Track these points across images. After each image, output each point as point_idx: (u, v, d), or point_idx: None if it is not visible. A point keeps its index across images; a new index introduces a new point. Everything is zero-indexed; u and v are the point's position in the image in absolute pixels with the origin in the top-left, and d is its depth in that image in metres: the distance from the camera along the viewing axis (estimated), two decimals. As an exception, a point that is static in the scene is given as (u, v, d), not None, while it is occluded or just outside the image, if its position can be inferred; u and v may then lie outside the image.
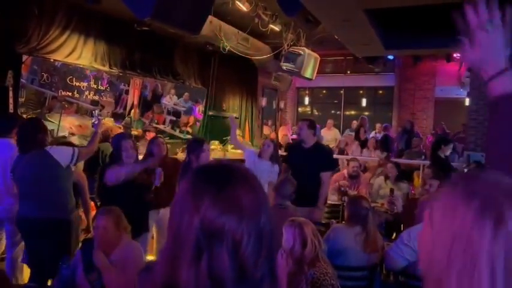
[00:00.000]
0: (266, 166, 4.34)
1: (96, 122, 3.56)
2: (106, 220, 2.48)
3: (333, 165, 4.49)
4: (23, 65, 5.24)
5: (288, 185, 3.61)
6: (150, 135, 7.09)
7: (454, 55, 9.23)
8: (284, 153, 5.26)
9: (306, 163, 4.18)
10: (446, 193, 0.67)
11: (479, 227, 0.60)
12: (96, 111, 4.32)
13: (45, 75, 5.69)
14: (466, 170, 5.80)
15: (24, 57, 5.20)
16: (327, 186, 4.36)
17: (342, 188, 5.35)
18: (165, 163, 3.78)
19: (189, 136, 8.45)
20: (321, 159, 4.28)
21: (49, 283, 2.91)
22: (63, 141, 5.12)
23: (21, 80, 5.31)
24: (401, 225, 4.56)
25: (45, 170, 3.10)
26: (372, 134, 9.82)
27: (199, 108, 9.42)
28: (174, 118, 9.14)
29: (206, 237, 0.67)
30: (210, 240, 0.67)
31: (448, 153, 5.82)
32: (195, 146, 3.61)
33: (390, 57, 9.55)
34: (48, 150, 3.10)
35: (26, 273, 3.48)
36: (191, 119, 9.29)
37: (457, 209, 0.63)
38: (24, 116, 5.54)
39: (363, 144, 8.58)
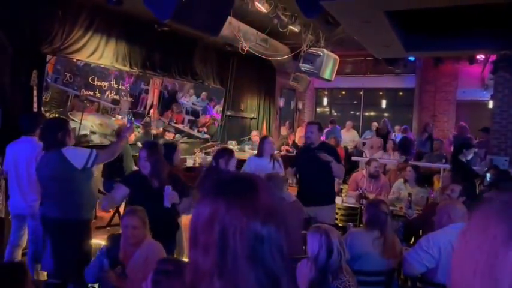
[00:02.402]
0: (268, 164, 4.49)
1: (128, 125, 3.55)
2: (134, 219, 2.54)
3: (340, 160, 4.53)
4: (47, 65, 5.37)
5: (276, 178, 3.65)
6: (170, 135, 7.17)
7: (477, 57, 9.03)
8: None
9: (315, 162, 4.21)
10: (482, 210, 0.67)
11: (508, 247, 0.59)
12: (130, 115, 4.34)
13: (68, 75, 5.82)
14: (488, 175, 5.66)
15: (48, 57, 5.33)
16: (339, 171, 4.41)
17: (360, 191, 5.30)
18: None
19: (206, 136, 8.49)
20: (329, 155, 4.31)
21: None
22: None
23: (46, 79, 5.43)
24: (420, 230, 4.49)
25: (57, 171, 3.09)
26: (392, 136, 9.71)
27: (217, 108, 9.46)
28: (193, 118, 9.21)
29: (258, 243, 0.76)
30: (261, 244, 0.76)
31: (469, 157, 5.69)
32: (225, 152, 3.83)
33: (411, 58, 9.39)
34: (63, 151, 3.07)
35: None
36: (208, 119, 9.34)
37: (489, 227, 0.62)
38: (48, 114, 5.67)
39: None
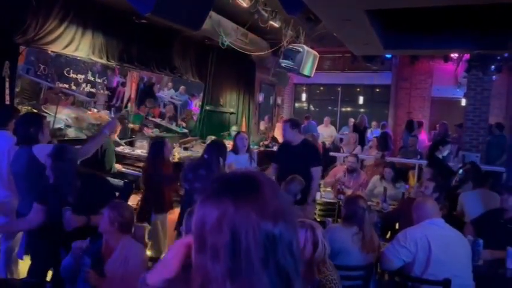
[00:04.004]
0: (245, 159, 4.53)
1: (110, 120, 3.42)
2: (107, 213, 2.49)
3: (321, 160, 4.55)
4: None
5: (296, 182, 3.78)
6: (148, 130, 7.07)
7: (452, 55, 9.27)
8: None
9: (295, 161, 4.25)
10: None
11: None
12: (112, 110, 4.19)
13: (42, 67, 5.65)
14: (461, 171, 5.84)
15: (21, 48, 5.14)
16: (316, 181, 4.44)
17: (339, 186, 5.38)
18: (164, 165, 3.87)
19: (185, 130, 8.42)
20: (309, 155, 4.36)
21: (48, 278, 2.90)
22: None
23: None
24: (396, 225, 4.61)
25: (27, 169, 2.99)
26: (369, 132, 9.88)
27: (196, 103, 9.38)
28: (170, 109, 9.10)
29: (270, 243, 0.74)
30: (273, 244, 0.74)
31: (445, 153, 5.88)
32: (223, 149, 3.77)
33: (388, 55, 9.56)
34: (33, 148, 2.95)
35: (23, 267, 3.46)
36: (186, 113, 9.26)
37: None
38: (20, 107, 5.49)
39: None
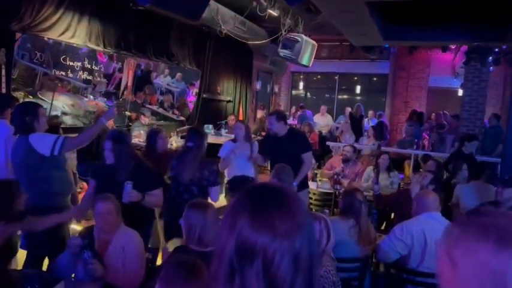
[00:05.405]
0: (245, 148, 4.50)
1: (108, 109, 3.40)
2: (108, 205, 2.50)
3: (310, 145, 4.56)
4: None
5: (287, 171, 3.72)
6: (145, 118, 7.04)
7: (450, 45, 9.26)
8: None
9: (283, 151, 4.25)
10: (462, 232, 0.71)
11: (501, 257, 0.64)
12: (112, 98, 4.11)
13: (38, 54, 5.59)
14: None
15: (17, 35, 5.08)
16: (308, 167, 4.44)
17: (335, 176, 5.41)
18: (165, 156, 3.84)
19: (182, 118, 8.39)
20: (297, 143, 4.36)
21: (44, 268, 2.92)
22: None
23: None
24: (391, 215, 4.66)
25: (24, 158, 2.97)
26: (365, 121, 9.89)
27: (194, 91, 9.32)
28: (162, 98, 9.01)
29: (238, 258, 0.73)
30: (241, 261, 0.73)
31: (472, 149, 5.78)
32: (204, 135, 3.69)
33: (386, 45, 9.52)
34: (29, 137, 2.93)
35: (21, 257, 3.47)
36: (181, 101, 9.19)
37: (477, 246, 0.67)
38: (16, 93, 5.44)
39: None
